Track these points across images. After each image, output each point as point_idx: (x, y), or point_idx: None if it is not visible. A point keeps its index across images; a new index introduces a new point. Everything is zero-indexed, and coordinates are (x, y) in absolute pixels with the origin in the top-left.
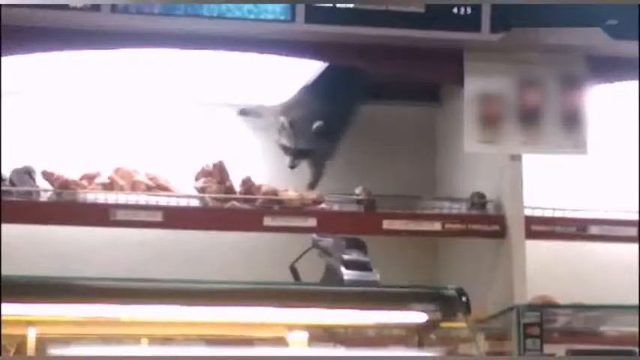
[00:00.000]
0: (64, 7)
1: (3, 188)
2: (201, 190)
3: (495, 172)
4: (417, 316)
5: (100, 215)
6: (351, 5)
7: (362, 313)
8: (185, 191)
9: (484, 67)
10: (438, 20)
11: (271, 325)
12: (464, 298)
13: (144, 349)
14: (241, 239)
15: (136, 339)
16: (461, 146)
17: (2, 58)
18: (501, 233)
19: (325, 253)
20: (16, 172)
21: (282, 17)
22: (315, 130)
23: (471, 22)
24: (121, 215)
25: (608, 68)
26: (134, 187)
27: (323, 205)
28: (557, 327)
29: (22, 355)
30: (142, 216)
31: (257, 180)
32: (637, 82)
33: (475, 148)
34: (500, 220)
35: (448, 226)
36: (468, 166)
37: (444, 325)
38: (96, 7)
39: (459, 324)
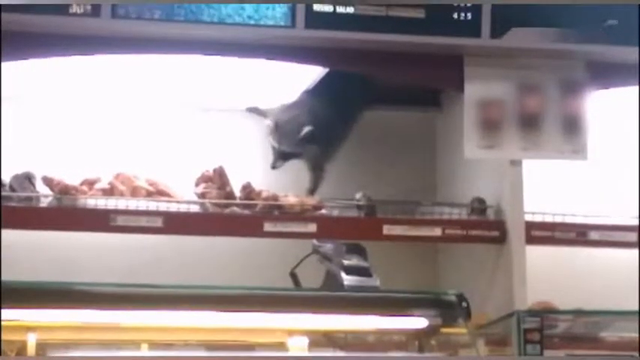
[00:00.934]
0: (65, 12)
1: (3, 194)
2: (202, 195)
3: (495, 177)
4: (417, 322)
5: (100, 221)
6: (352, 10)
7: (362, 318)
8: (185, 197)
9: (484, 73)
10: (438, 26)
11: (271, 330)
12: (464, 304)
13: (144, 354)
14: (241, 245)
15: (136, 344)
16: (461, 151)
17: (2, 64)
18: (501, 239)
19: (325, 258)
20: (16, 177)
21: (283, 23)
22: (304, 135)
23: (471, 28)
24: (121, 221)
25: (608, 74)
26: (134, 192)
27: (323, 211)
28: (557, 332)
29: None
30: (142, 221)
31: (257, 185)
32: (637, 87)
33: (475, 154)
34: (500, 225)
35: (448, 231)
36: (468, 172)
37: (444, 330)
38: (96, 13)
39: (459, 329)
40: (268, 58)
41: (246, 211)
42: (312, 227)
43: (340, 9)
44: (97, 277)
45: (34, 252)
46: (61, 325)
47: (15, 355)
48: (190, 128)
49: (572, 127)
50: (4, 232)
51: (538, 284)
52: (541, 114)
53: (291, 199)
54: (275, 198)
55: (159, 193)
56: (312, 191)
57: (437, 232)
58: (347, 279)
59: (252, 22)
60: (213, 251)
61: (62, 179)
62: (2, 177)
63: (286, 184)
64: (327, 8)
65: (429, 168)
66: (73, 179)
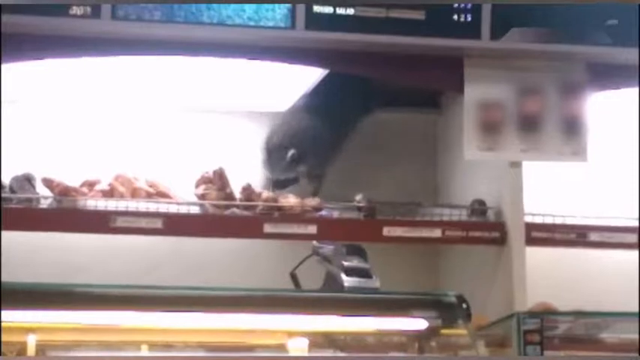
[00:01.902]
0: (65, 14)
1: (3, 195)
2: (202, 197)
3: (495, 179)
4: (417, 323)
5: (100, 222)
6: (352, 12)
7: (362, 319)
8: (185, 198)
9: (484, 74)
10: (438, 27)
11: (271, 331)
12: (464, 305)
13: (144, 355)
14: (241, 246)
15: (136, 346)
16: (461, 153)
17: (2, 66)
18: (501, 240)
19: (325, 260)
20: (16, 179)
21: (283, 24)
22: (289, 160)
23: (471, 29)
24: (121, 222)
25: (608, 75)
26: (134, 194)
27: (323, 212)
28: (557, 334)
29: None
30: (142, 223)
31: (257, 187)
32: (637, 89)
33: (475, 156)
34: (500, 227)
35: (448, 233)
36: (468, 173)
37: (444, 331)
38: (96, 15)
39: (460, 331)
40: (268, 60)
41: (246, 213)
42: (312, 229)
43: (340, 10)
44: (96, 279)
45: (34, 253)
46: (61, 326)
47: (15, 356)
48: (190, 130)
49: (572, 128)
50: (4, 233)
51: (538, 286)
52: (541, 115)
53: (291, 200)
54: (275, 199)
55: (159, 194)
56: (314, 194)
57: (437, 233)
58: (347, 280)
59: (252, 23)
60: (213, 253)
61: (62, 181)
62: (2, 178)
63: None
64: (327, 10)
65: (429, 169)
66: (73, 181)
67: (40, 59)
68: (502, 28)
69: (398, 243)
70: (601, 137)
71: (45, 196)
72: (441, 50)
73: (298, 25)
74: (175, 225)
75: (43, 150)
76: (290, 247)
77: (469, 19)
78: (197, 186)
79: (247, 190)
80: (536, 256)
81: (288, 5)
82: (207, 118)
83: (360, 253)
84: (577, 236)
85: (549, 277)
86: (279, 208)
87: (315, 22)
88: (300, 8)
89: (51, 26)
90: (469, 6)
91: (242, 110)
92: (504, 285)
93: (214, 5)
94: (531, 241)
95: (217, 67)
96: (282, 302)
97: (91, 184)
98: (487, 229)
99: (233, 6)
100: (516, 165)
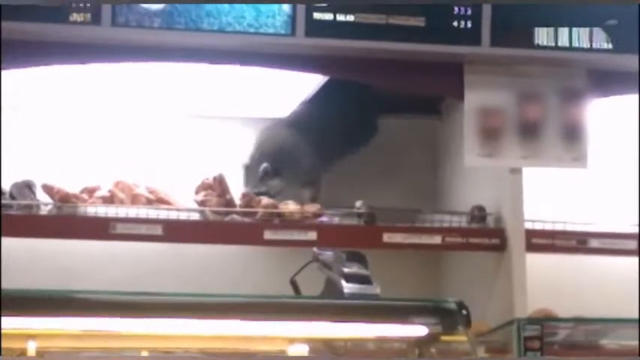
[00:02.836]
0: (65, 20)
1: (3, 202)
2: (202, 203)
3: (495, 185)
4: (417, 330)
5: (100, 229)
6: (352, 18)
7: (362, 326)
8: (185, 204)
9: (484, 81)
10: (438, 33)
11: (272, 338)
12: (464, 312)
13: None
14: (241, 252)
15: (136, 352)
16: (461, 159)
17: (2, 72)
18: (502, 246)
19: (325, 266)
20: (16, 185)
21: (283, 31)
22: (262, 172)
23: (472, 36)
24: (121, 229)
25: (608, 82)
26: (134, 200)
27: (323, 219)
28: (557, 340)
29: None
30: (142, 229)
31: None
32: (637, 95)
33: (475, 162)
34: (500, 233)
35: (448, 239)
36: (468, 180)
37: (444, 338)
38: (96, 21)
39: (460, 337)
40: (268, 67)
41: (247, 219)
42: (312, 235)
43: (340, 17)
44: (96, 285)
45: (34, 260)
46: (60, 332)
47: None
48: (190, 136)
49: (573, 135)
50: (5, 239)
51: (538, 292)
52: (541, 122)
53: (291, 206)
54: (275, 206)
55: (159, 201)
56: (311, 200)
57: (437, 240)
58: (347, 287)
59: (252, 30)
60: (213, 259)
61: (62, 187)
62: (2, 185)
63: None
64: (328, 16)
65: (429, 176)
66: (73, 187)
67: (40, 66)
68: (502, 34)
69: (398, 249)
70: (601, 144)
71: (45, 203)
72: (441, 57)
73: (298, 32)
74: (175, 231)
75: (43, 156)
76: (290, 253)
77: (469, 25)
78: (197, 192)
79: (247, 197)
80: (537, 263)
81: (289, 12)
82: (208, 124)
83: (360, 260)
84: (577, 243)
85: (549, 284)
86: (279, 215)
87: (316, 28)
88: (301, 15)
89: (51, 33)
90: (469, 12)
91: (243, 117)
92: (504, 291)
93: (214, 12)
94: (531, 247)
95: (218, 73)
96: (282, 309)
97: (91, 191)
98: (487, 236)
99: (233, 13)
100: (516, 171)
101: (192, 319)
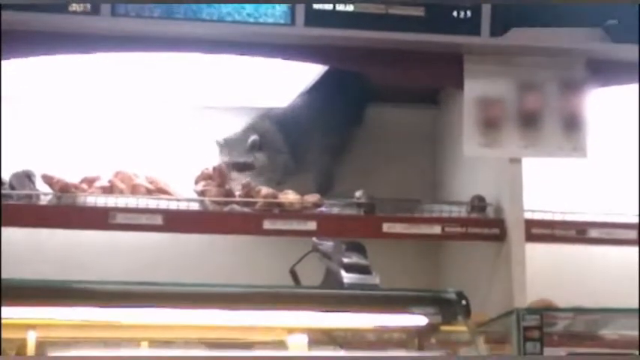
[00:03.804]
0: (64, 10)
1: (3, 192)
2: (201, 193)
3: (495, 175)
4: (416, 320)
5: (99, 219)
6: (351, 8)
7: (362, 316)
8: (185, 194)
9: (484, 71)
10: (437, 24)
11: (271, 328)
12: (464, 302)
13: (144, 352)
14: (241, 242)
15: (135, 342)
16: (460, 149)
17: (2, 62)
18: (501, 236)
19: (325, 256)
20: (16, 175)
21: (282, 21)
22: (251, 144)
23: (471, 26)
24: (120, 219)
25: (608, 72)
26: (134, 190)
27: (323, 209)
28: (557, 330)
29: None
30: (142, 219)
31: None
32: (637, 85)
33: (475, 152)
34: (500, 223)
35: (448, 229)
36: (467, 170)
37: (444, 328)
38: (96, 11)
39: (459, 327)
40: (268, 56)
41: (246, 209)
42: (311, 225)
43: (340, 7)
44: (97, 275)
45: (34, 250)
46: (61, 323)
47: (15, 353)
48: (190, 126)
49: (572, 124)
50: (4, 229)
51: (538, 282)
52: (541, 112)
53: (290, 196)
54: (275, 196)
55: (158, 191)
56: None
57: (437, 230)
58: (347, 277)
59: (251, 20)
60: (212, 249)
61: (62, 177)
62: (2, 175)
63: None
64: (327, 6)
65: (428, 166)
66: (72, 177)
67: (40, 56)
68: (502, 24)
69: (397, 239)
70: (601, 133)
71: (45, 193)
72: (440, 47)
73: (298, 22)
74: (175, 221)
75: (43, 147)
76: (290, 243)
77: (469, 15)
78: (197, 182)
79: (247, 187)
80: (536, 253)
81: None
82: (207, 114)
83: (360, 250)
84: (577, 232)
85: (549, 274)
86: (279, 205)
87: (315, 18)
88: (300, 5)
89: (51, 23)
90: (469, 2)
91: (242, 107)
92: (504, 281)
93: (213, 2)
94: (531, 237)
95: (217, 63)
96: (281, 299)
97: (90, 181)
98: (487, 226)
99: (232, 2)
100: (516, 161)
101: (192, 309)
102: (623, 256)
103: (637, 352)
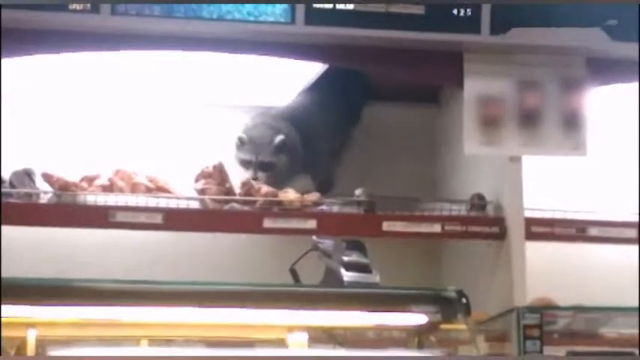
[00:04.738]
0: (64, 9)
1: (3, 190)
2: (201, 191)
3: (495, 173)
4: (416, 318)
5: (99, 217)
6: (351, 7)
7: (362, 314)
8: (185, 193)
9: (484, 69)
10: (437, 22)
11: (271, 326)
12: (464, 300)
13: (144, 350)
14: (241, 241)
15: (136, 341)
16: (460, 148)
17: (2, 60)
18: (501, 235)
19: (325, 254)
20: (16, 174)
21: (282, 19)
22: (277, 145)
23: (471, 24)
24: (120, 217)
25: (607, 70)
26: (134, 188)
27: (323, 207)
28: (557, 329)
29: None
30: (142, 218)
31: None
32: (637, 83)
33: (475, 150)
34: (500, 221)
35: (448, 227)
36: (467, 168)
37: (443, 326)
38: (96, 9)
39: (459, 326)
40: (268, 55)
41: (246, 208)
42: (311, 223)
43: (340, 5)
44: (96, 274)
45: (33, 248)
46: (61, 321)
47: (15, 352)
48: (190, 124)
49: (572, 123)
50: (4, 228)
51: (538, 280)
52: (541, 110)
53: (290, 195)
54: (274, 194)
55: (158, 189)
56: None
57: (436, 228)
58: (347, 275)
59: (251, 18)
60: (212, 247)
61: (62, 176)
62: (2, 173)
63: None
64: (327, 5)
65: (428, 164)
66: (72, 176)
67: (40, 54)
68: (502, 22)
69: (397, 238)
70: (601, 132)
71: (45, 191)
72: (440, 45)
73: (298, 21)
74: (175, 220)
75: (43, 145)
76: (290, 242)
77: (469, 14)
78: (197, 181)
79: (247, 185)
80: (536, 251)
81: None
82: (207, 112)
83: (360, 248)
84: (577, 231)
85: (549, 272)
86: (279, 203)
87: (315, 17)
88: (300, 3)
89: (51, 21)
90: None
91: (242, 105)
92: (504, 280)
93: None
94: (531, 235)
95: (217, 62)
96: (281, 297)
97: (90, 179)
98: (487, 224)
99: (233, 1)
100: (516, 160)
101: (192, 307)
102: (623, 255)
103: (637, 351)
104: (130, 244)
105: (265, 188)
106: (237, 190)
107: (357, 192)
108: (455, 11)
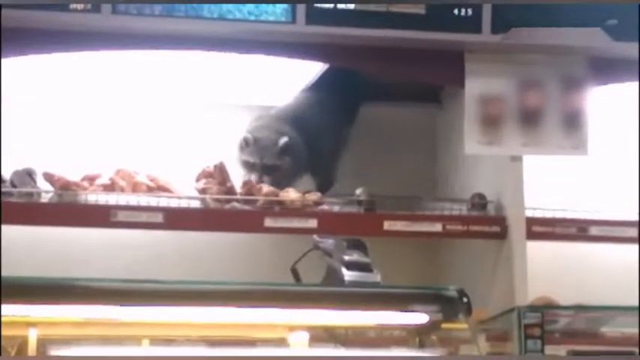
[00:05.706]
0: (65, 8)
1: (4, 189)
2: (202, 191)
3: (496, 173)
4: (418, 317)
5: (100, 216)
6: (352, 6)
7: (363, 314)
8: (186, 192)
9: (485, 69)
10: (438, 21)
11: (272, 325)
12: (465, 299)
13: (145, 350)
14: (242, 240)
15: (137, 340)
16: (461, 147)
17: (3, 60)
18: (502, 234)
19: (326, 254)
20: (17, 173)
21: (283, 19)
22: (282, 147)
23: (472, 24)
24: (121, 216)
25: (608, 69)
26: (135, 188)
27: (324, 206)
28: (558, 328)
29: (23, 357)
30: (143, 217)
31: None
32: (637, 83)
33: (476, 150)
34: (500, 221)
35: (449, 227)
36: (468, 167)
37: (445, 326)
38: (96, 9)
39: (460, 325)
40: (269, 54)
41: (247, 207)
42: (312, 223)
43: (341, 5)
44: (97, 273)
45: (34, 248)
46: (62, 320)
47: (16, 351)
48: (191, 124)
49: (573, 122)
50: (5, 227)
51: (539, 280)
52: (542, 110)
53: (291, 194)
54: (275, 193)
55: (159, 188)
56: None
57: (437, 227)
58: (348, 274)
59: (252, 17)
60: (213, 247)
61: (63, 175)
62: (3, 173)
63: None
64: (328, 4)
65: (429, 164)
66: (73, 175)
67: (41, 54)
68: (503, 22)
69: (398, 237)
70: (601, 131)
71: (46, 191)
72: (441, 45)
73: (299, 20)
74: (176, 219)
75: (44, 144)
76: (291, 241)
77: (470, 13)
78: (198, 180)
79: (248, 185)
80: (537, 250)
81: None
82: (208, 112)
83: (361, 248)
84: (577, 230)
85: (550, 271)
86: (280, 202)
87: (316, 16)
88: (301, 3)
89: (52, 21)
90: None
91: (243, 104)
92: (505, 279)
93: None
94: (532, 235)
95: (218, 61)
96: (282, 296)
97: (91, 179)
98: (488, 224)
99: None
100: (517, 159)
101: (193, 306)
102: (624, 254)
103: (637, 350)
104: (131, 244)
105: (266, 188)
106: (239, 189)
107: (358, 191)
108: (456, 11)
